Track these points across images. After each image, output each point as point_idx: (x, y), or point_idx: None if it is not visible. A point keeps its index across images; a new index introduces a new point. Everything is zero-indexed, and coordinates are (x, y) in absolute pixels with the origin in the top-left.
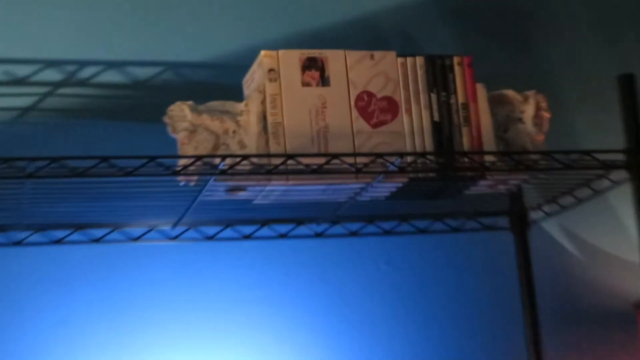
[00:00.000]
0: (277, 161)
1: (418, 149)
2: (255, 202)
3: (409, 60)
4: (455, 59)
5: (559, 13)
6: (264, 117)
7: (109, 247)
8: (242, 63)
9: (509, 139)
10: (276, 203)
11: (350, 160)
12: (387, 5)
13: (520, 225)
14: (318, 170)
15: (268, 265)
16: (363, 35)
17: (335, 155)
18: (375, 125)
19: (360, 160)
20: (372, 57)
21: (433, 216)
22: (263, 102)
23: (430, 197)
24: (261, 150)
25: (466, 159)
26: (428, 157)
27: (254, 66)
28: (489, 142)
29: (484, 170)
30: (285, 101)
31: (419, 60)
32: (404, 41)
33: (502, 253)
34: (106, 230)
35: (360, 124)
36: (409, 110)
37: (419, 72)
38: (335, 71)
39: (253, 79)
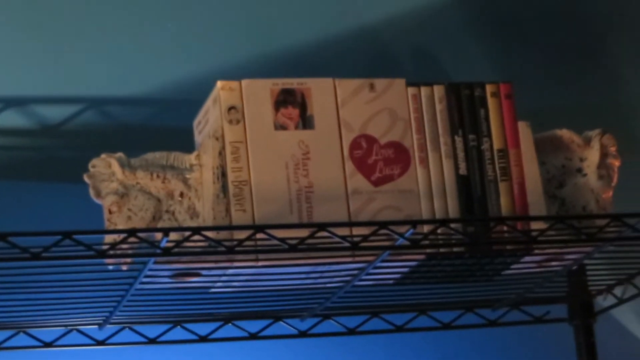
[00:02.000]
0: (242, 235)
1: (438, 214)
2: (213, 291)
3: (424, 90)
4: (489, 88)
5: (634, 23)
6: (222, 174)
7: (12, 356)
8: (192, 98)
9: (565, 197)
10: (243, 292)
11: (344, 231)
12: (392, 14)
13: (583, 315)
14: (299, 247)
15: None
16: (360, 57)
17: (323, 226)
18: (378, 183)
19: (358, 231)
20: (372, 87)
21: (461, 305)
22: (221, 152)
23: (457, 281)
24: (220, 220)
25: (505, 227)
26: (452, 225)
27: (208, 103)
28: (536, 202)
29: (530, 243)
30: (252, 151)
31: (438, 90)
32: (417, 64)
33: (558, 353)
34: (7, 334)
35: (358, 181)
36: (424, 161)
37: (438, 108)
38: (322, 108)
39: (207, 121)
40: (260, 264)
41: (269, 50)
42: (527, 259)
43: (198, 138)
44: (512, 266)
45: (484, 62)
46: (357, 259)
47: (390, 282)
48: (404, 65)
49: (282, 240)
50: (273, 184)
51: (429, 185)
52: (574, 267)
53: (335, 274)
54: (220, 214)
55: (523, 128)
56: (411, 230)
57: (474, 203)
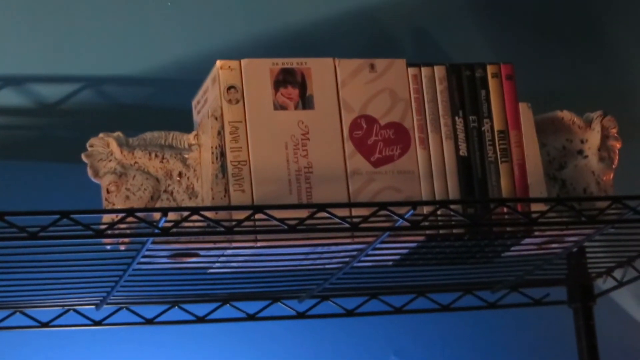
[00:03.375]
0: (240, 215)
1: (438, 195)
2: (211, 271)
3: (425, 71)
4: (490, 69)
5: (637, 2)
6: (221, 154)
7: (8, 335)
8: (191, 77)
9: (566, 179)
10: (241, 273)
11: (344, 212)
12: None
13: (583, 298)
14: (298, 228)
15: (231, 358)
16: (360, 37)
17: (323, 207)
18: (377, 163)
19: (358, 212)
20: (372, 67)
21: (461, 287)
22: (220, 132)
23: (457, 262)
24: (218, 201)
25: (505, 209)
26: (452, 207)
27: (207, 82)
28: (537, 184)
29: (531, 225)
30: (251, 131)
31: (439, 71)
32: (418, 45)
33: (557, 335)
34: (4, 314)
35: (357, 161)
36: (424, 142)
37: (439, 88)
38: (322, 88)
39: (206, 100)
40: (259, 244)
41: (269, 29)
42: (527, 241)
43: (197, 118)
44: (512, 248)
45: (485, 43)
46: (356, 240)
47: (390, 263)
48: (404, 45)
49: (281, 220)
50: (272, 164)
51: (429, 167)
52: (574, 250)
53: (334, 255)
54: (219, 194)
55: (524, 109)
56: (411, 212)
57: (474, 184)
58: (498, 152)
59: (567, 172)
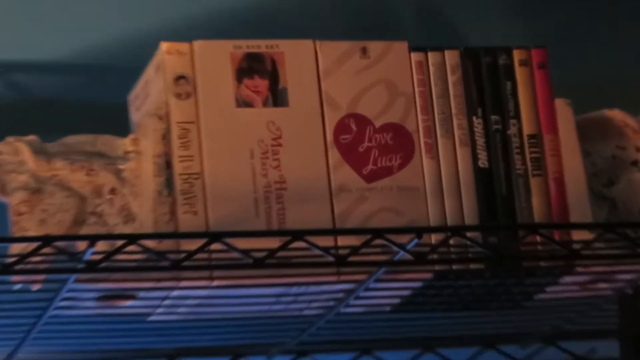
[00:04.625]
0: (191, 245)
1: (450, 219)
2: (153, 319)
3: (433, 57)
4: (517, 55)
5: None
6: (167, 165)
7: None
8: (128, 65)
9: (617, 198)
10: (192, 321)
11: (327, 241)
12: None
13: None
14: (268, 262)
15: None
16: (349, 15)
17: (299, 234)
18: (371, 177)
19: (345, 241)
20: (364, 52)
21: (480, 340)
22: (166, 136)
23: (475, 308)
24: (162, 226)
25: (539, 238)
26: (468, 234)
27: (149, 71)
28: (579, 205)
29: (572, 258)
30: (206, 135)
31: (451, 56)
32: (424, 24)
33: None
34: None
35: (345, 174)
36: (432, 149)
37: (451, 79)
38: (298, 79)
39: (147, 95)
40: (215, 283)
41: (231, 4)
42: (566, 279)
43: (135, 117)
44: (547, 289)
45: (508, 23)
46: (343, 278)
47: (387, 308)
48: (406, 24)
49: (245, 252)
50: (233, 178)
51: (439, 182)
52: (628, 291)
53: (314, 298)
54: (163, 218)
55: (562, 107)
56: (415, 241)
57: (497, 205)
58: (529, 163)
59: (619, 189)
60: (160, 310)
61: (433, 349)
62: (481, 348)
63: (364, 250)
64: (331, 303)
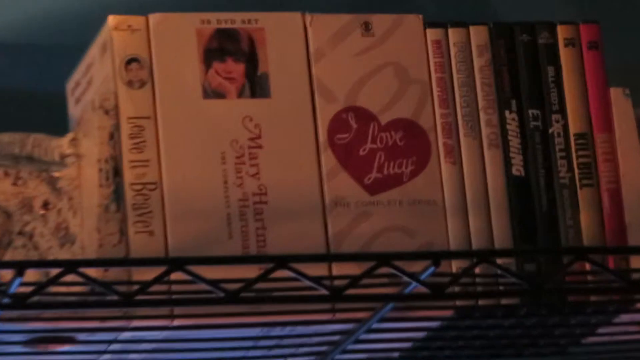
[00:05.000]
0: (147, 274)
1: (476, 242)
2: None
3: (455, 34)
4: (562, 32)
5: None
6: (115, 172)
7: None
8: (66, 43)
9: None
10: None
11: (318, 270)
12: None
13: None
14: (243, 296)
15: None
16: None
17: (283, 260)
18: (376, 188)
19: (343, 269)
20: (367, 27)
21: None
22: (114, 135)
23: (507, 354)
24: (109, 250)
25: (588, 265)
26: (499, 260)
27: (93, 52)
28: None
29: (630, 291)
30: (165, 134)
31: (478, 34)
32: None
33: None
34: None
35: (342, 184)
36: (452, 152)
37: (478, 63)
38: (283, 62)
39: (90, 82)
40: (176, 323)
41: None
42: (623, 317)
43: (75, 110)
44: (599, 330)
45: None
46: (339, 316)
47: (396, 355)
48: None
49: (215, 283)
50: (200, 188)
51: (462, 194)
52: None
53: (303, 342)
54: (110, 239)
55: (619, 99)
56: (431, 269)
57: (536, 223)
58: (576, 170)
59: None
60: (106, 357)
61: None
62: None
63: (366, 281)
64: (324, 348)
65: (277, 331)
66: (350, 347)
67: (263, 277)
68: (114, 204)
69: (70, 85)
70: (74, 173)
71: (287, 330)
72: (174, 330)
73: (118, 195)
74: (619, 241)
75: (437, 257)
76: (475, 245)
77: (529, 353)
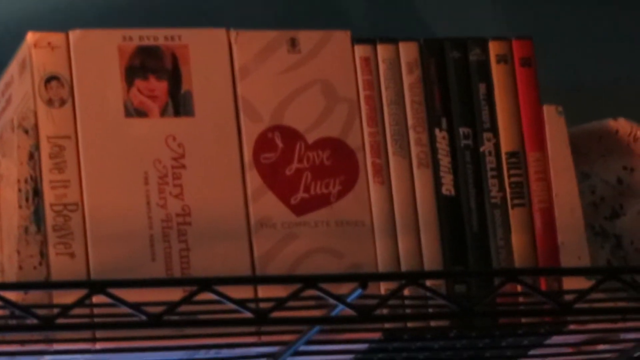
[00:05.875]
0: (67, 298)
1: (405, 263)
2: None
3: (384, 50)
4: (494, 48)
5: None
6: (35, 192)
7: None
8: None
9: (623, 234)
10: None
11: (244, 292)
12: None
13: None
14: (166, 319)
15: None
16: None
17: (208, 283)
18: (302, 208)
19: (268, 292)
20: (293, 44)
21: None
22: (34, 155)
23: None
24: (29, 272)
25: (519, 287)
26: (428, 282)
27: (12, 69)
28: (573, 243)
29: (563, 313)
30: (86, 154)
31: (408, 50)
32: (372, 10)
33: None
34: None
35: (268, 205)
36: (381, 172)
37: (408, 80)
38: (207, 80)
39: (9, 101)
40: (98, 346)
41: None
42: (556, 339)
43: None
44: (531, 352)
45: (484, 11)
46: (265, 339)
47: None
48: (349, 10)
49: (137, 307)
50: (122, 209)
51: (390, 214)
52: (636, 354)
53: None
54: (30, 261)
55: (552, 116)
56: (359, 291)
57: (466, 244)
58: (508, 190)
59: (625, 223)
60: None
61: None
62: None
63: (291, 303)
64: None
65: (201, 354)
66: None
67: (186, 300)
68: (34, 226)
69: None
70: None
71: (212, 353)
72: (96, 354)
73: (38, 216)
74: (551, 262)
75: (364, 279)
76: (405, 266)
77: None
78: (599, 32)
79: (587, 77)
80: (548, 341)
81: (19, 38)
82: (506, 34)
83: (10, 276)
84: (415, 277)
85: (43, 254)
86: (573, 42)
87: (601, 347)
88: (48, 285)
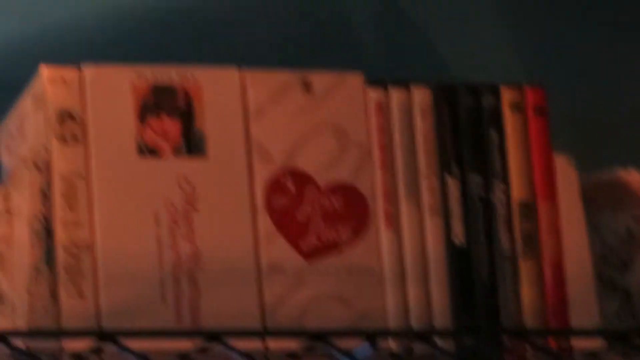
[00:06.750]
0: (77, 344)
1: (414, 317)
2: None
3: (397, 95)
4: (507, 95)
5: None
6: (47, 231)
7: None
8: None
9: (632, 288)
10: None
11: (252, 344)
12: None
13: None
14: None
15: None
16: (288, 34)
17: (216, 335)
18: (313, 254)
19: (278, 345)
20: (307, 86)
21: None
22: (46, 193)
23: None
24: (39, 313)
25: (528, 346)
26: (438, 338)
27: (26, 103)
28: (584, 300)
29: None
30: (99, 192)
31: (421, 95)
32: (386, 52)
33: None
34: None
35: (279, 250)
36: (392, 219)
37: (420, 126)
38: (220, 120)
39: (23, 134)
40: None
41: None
42: None
43: (5, 159)
44: None
45: (497, 56)
46: None
47: None
48: (362, 51)
49: (144, 357)
50: (133, 250)
51: (401, 262)
52: None
53: None
54: (41, 303)
55: (564, 166)
56: (367, 347)
57: (475, 297)
58: (518, 241)
59: (634, 276)
60: None
61: None
62: None
63: (302, 355)
64: None
65: None
66: None
67: (201, 350)
68: (45, 265)
69: (2, 130)
70: (4, 230)
71: None
72: None
73: (50, 256)
74: (560, 316)
75: (375, 334)
76: (413, 315)
77: None
78: (612, 76)
79: (598, 125)
80: None
81: (30, 70)
82: (519, 78)
83: (21, 315)
84: (425, 335)
85: (53, 295)
86: (582, 87)
87: None
88: (58, 333)
